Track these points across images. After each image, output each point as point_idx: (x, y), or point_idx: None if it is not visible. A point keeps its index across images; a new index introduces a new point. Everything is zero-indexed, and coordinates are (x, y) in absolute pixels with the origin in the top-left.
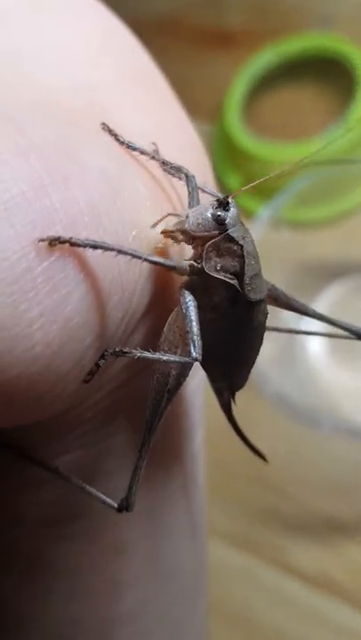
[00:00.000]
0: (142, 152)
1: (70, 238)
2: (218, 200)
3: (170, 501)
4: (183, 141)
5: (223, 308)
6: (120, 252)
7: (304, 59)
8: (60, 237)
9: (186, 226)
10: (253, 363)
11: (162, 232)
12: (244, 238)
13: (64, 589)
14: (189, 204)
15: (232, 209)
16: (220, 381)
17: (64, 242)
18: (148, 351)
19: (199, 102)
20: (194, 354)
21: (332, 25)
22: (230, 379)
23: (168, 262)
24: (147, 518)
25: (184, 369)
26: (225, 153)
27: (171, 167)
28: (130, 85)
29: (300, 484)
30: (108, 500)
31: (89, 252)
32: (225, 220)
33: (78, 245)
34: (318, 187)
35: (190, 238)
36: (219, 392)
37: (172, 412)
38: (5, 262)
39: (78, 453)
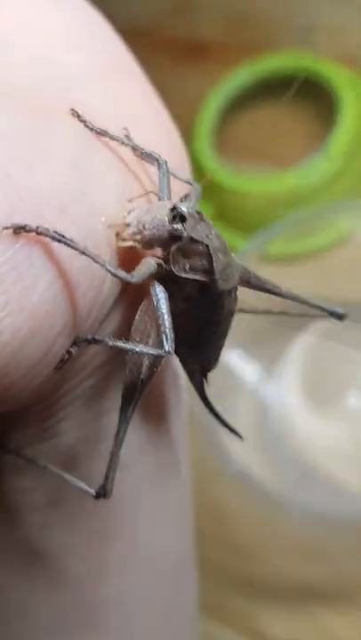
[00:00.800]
0: (112, 138)
1: (37, 228)
2: (172, 209)
3: (152, 484)
4: (160, 136)
5: (194, 298)
6: (83, 253)
7: (282, 78)
8: (25, 226)
9: (143, 239)
10: (223, 345)
11: (117, 236)
12: (207, 236)
13: (49, 577)
14: (160, 190)
15: (188, 217)
16: (192, 364)
17: (29, 231)
18: (121, 340)
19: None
20: (166, 347)
21: (312, 40)
22: (201, 362)
23: (128, 277)
24: (129, 503)
25: (156, 360)
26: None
27: (142, 153)
28: (104, 75)
29: (271, 548)
30: (86, 487)
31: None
32: (182, 234)
33: (44, 235)
34: (296, 224)
35: (151, 247)
36: (191, 374)
37: (148, 396)
38: None
39: (57, 439)
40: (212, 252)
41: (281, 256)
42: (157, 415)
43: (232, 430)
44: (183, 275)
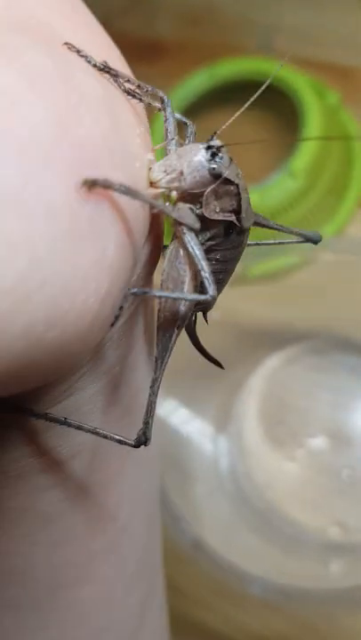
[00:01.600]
0: (117, 74)
1: (105, 180)
2: (208, 147)
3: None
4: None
5: (219, 237)
6: (149, 204)
7: (242, 83)
8: (96, 180)
9: (182, 185)
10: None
11: (152, 185)
12: (237, 175)
13: (48, 538)
14: (167, 130)
15: (224, 156)
16: (201, 303)
17: (101, 186)
18: (167, 290)
19: None
20: (211, 291)
21: (274, 44)
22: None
23: (184, 219)
24: (127, 452)
25: (193, 305)
26: None
27: (147, 91)
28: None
29: (228, 597)
30: (124, 438)
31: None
32: (222, 172)
33: (111, 189)
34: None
35: (182, 193)
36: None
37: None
38: (55, 215)
39: (77, 395)
40: (241, 191)
41: (242, 278)
42: None
43: (213, 360)
44: (214, 216)
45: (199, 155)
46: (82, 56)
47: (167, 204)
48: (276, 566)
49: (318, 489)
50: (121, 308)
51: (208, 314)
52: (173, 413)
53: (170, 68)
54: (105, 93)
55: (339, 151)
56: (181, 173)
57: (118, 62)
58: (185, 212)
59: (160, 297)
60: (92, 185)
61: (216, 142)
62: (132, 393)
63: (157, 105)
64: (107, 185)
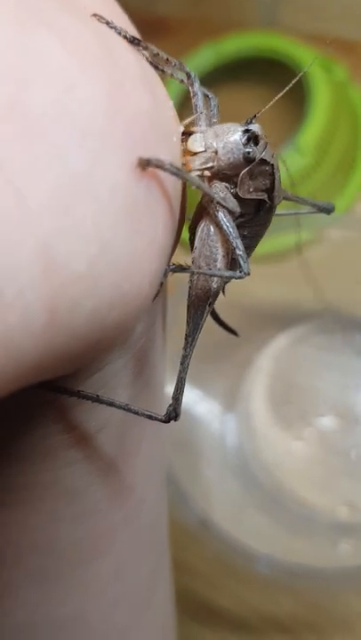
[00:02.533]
0: (146, 47)
1: (158, 160)
2: (246, 132)
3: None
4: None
5: (249, 214)
6: (198, 186)
7: (248, 59)
8: (150, 159)
9: (216, 165)
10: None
11: (187, 155)
12: (273, 156)
13: (72, 512)
14: (196, 105)
15: (260, 141)
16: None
17: (153, 165)
18: (202, 263)
19: None
20: (245, 269)
21: (279, 18)
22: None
23: (227, 203)
24: (144, 425)
25: (224, 282)
26: None
27: (175, 65)
28: None
29: (237, 578)
30: (154, 413)
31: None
32: (256, 157)
33: (163, 168)
34: None
35: (219, 172)
36: None
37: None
38: (117, 197)
39: (102, 372)
40: (275, 171)
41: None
42: None
43: (229, 329)
44: (247, 196)
45: (236, 136)
46: (112, 27)
47: (209, 184)
48: (284, 545)
49: (327, 469)
50: (161, 283)
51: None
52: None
53: (174, 45)
54: (141, 68)
55: (347, 127)
56: (216, 152)
57: (135, 32)
58: (227, 195)
59: (196, 274)
60: (145, 165)
61: (254, 126)
62: (151, 366)
63: (181, 78)
64: (159, 165)
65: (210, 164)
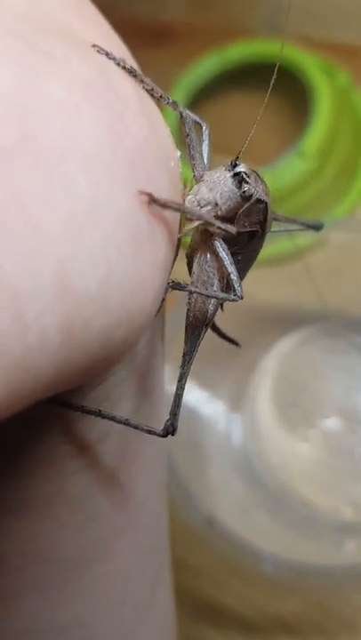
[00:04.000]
0: (143, 80)
1: (165, 201)
2: (235, 175)
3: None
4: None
5: (242, 243)
6: (203, 219)
7: (252, 66)
8: (157, 199)
9: (219, 213)
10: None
11: (187, 220)
12: (266, 194)
13: (75, 520)
14: (189, 146)
15: (251, 178)
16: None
17: (160, 205)
18: (199, 287)
19: None
20: (239, 293)
21: (284, 24)
22: None
23: (227, 228)
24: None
25: (220, 304)
26: None
27: (160, 96)
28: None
29: (243, 577)
30: (152, 428)
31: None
32: (253, 194)
33: (168, 208)
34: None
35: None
36: None
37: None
38: (122, 222)
39: (107, 383)
40: (268, 206)
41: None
42: None
43: (230, 340)
44: (242, 230)
45: (229, 184)
46: (111, 58)
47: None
48: (290, 545)
49: (332, 470)
50: (163, 299)
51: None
52: (187, 394)
53: (179, 52)
54: (140, 97)
55: (349, 131)
56: (216, 204)
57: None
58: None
59: (193, 292)
60: (151, 202)
61: (241, 167)
62: (151, 378)
63: (165, 103)
64: (165, 204)
65: (212, 214)
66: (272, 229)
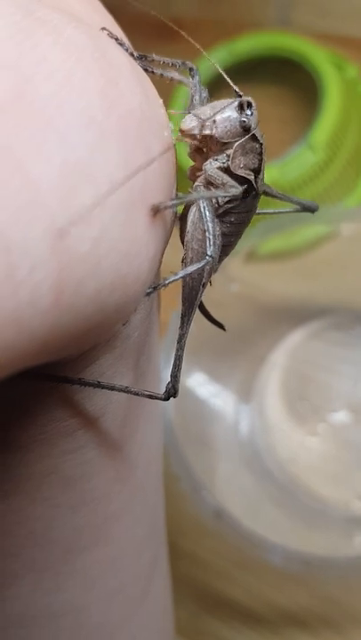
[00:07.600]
0: (138, 57)
1: (165, 205)
2: (240, 103)
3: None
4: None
5: (236, 200)
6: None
7: (262, 59)
8: (158, 206)
9: (213, 132)
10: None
11: (182, 134)
12: (262, 136)
13: (68, 501)
14: (193, 98)
15: (254, 112)
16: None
17: (161, 209)
18: (191, 251)
19: None
20: (209, 252)
21: (293, 18)
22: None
23: (223, 187)
24: (141, 411)
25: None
26: None
27: (178, 66)
28: None
29: (250, 570)
30: (153, 392)
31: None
32: (251, 126)
33: (168, 208)
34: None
35: (212, 142)
36: None
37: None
38: (115, 185)
39: (102, 359)
40: (263, 150)
41: (265, 254)
42: None
43: (215, 322)
44: (238, 172)
45: (232, 106)
46: (113, 37)
47: (203, 188)
48: (299, 538)
49: (341, 463)
50: (158, 268)
51: (223, 284)
52: (196, 388)
53: (189, 45)
54: (134, 68)
55: (358, 123)
56: (214, 121)
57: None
58: (227, 183)
59: (169, 283)
60: (155, 210)
61: (248, 98)
62: (147, 354)
63: (179, 79)
64: (165, 207)
65: (207, 132)
66: (265, 211)
